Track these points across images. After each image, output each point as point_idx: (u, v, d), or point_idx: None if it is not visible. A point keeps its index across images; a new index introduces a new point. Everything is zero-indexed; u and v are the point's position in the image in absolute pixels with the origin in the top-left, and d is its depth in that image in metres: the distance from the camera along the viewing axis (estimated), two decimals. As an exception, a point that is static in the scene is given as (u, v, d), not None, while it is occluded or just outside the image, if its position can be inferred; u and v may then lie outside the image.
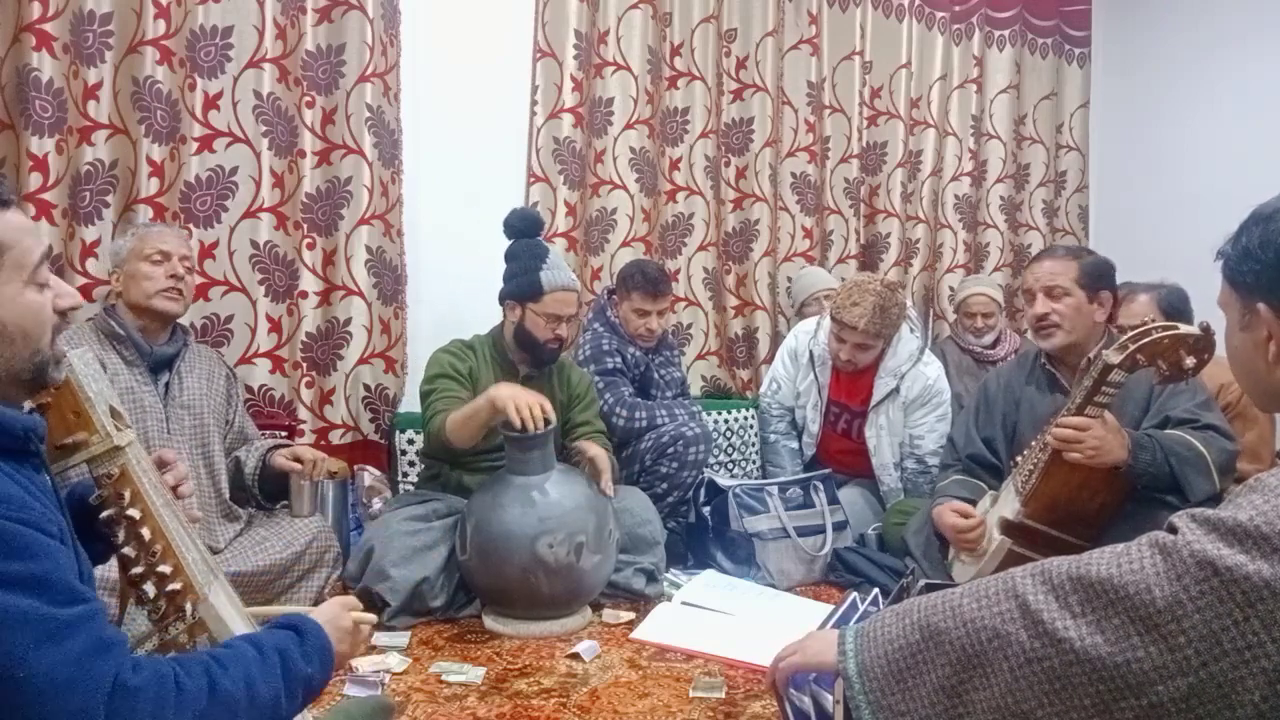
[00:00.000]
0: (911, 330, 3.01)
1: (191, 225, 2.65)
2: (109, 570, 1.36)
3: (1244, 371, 1.03)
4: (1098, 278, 2.20)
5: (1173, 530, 0.87)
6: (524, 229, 2.46)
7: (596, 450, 2.38)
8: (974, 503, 2.25)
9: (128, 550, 1.13)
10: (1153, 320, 1.88)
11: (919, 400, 2.94)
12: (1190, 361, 1.77)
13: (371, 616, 1.26)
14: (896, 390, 2.94)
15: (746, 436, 3.32)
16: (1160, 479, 1.96)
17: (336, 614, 1.18)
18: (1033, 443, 2.11)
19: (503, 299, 2.48)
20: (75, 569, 0.94)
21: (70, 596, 0.88)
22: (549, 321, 2.41)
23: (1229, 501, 0.86)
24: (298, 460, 2.24)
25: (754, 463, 3.33)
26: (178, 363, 2.21)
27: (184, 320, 2.62)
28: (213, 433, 2.24)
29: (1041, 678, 0.87)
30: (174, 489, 1.26)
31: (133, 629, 1.44)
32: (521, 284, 2.41)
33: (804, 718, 1.16)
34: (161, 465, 1.28)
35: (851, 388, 3.03)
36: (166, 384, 2.18)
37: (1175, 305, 2.61)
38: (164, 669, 0.92)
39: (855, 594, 1.63)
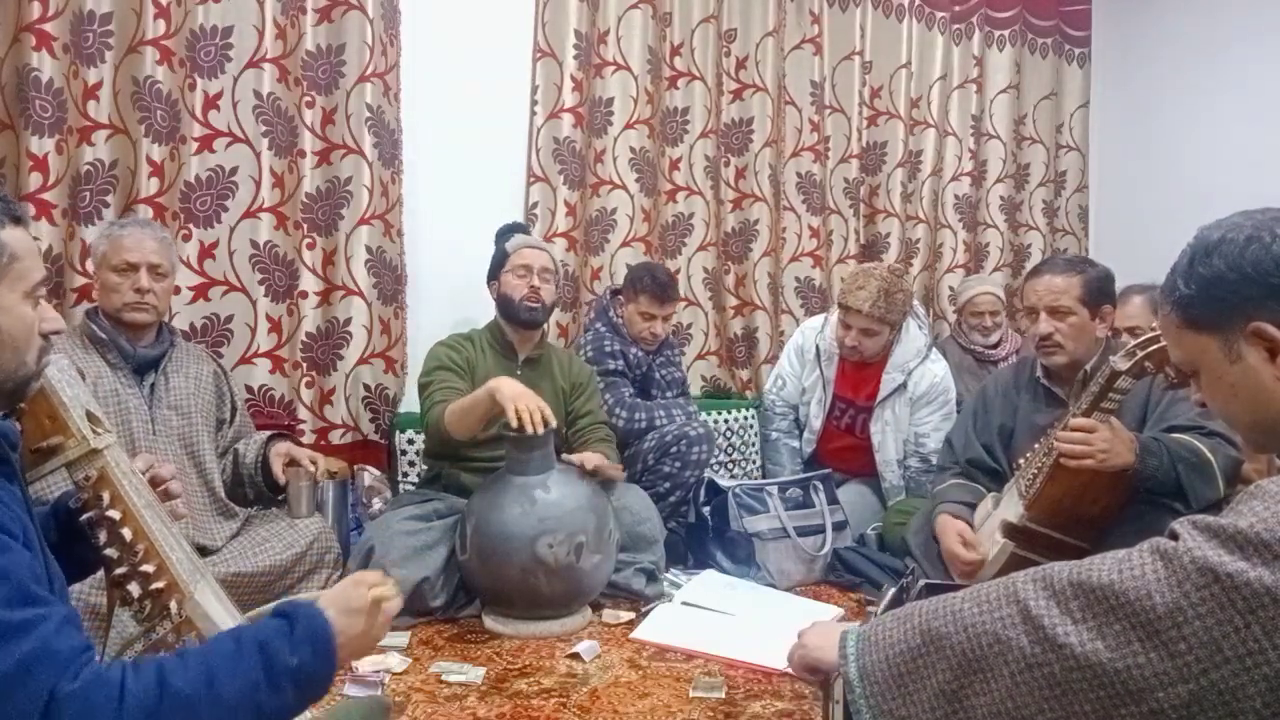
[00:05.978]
0: (920, 327, 3.02)
1: (192, 225, 2.65)
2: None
3: (1253, 404, 0.98)
4: (1100, 294, 2.19)
5: (1174, 536, 0.87)
6: (507, 229, 2.76)
7: (588, 457, 2.38)
8: (973, 506, 2.25)
9: (110, 551, 1.12)
10: (1151, 323, 1.88)
11: (925, 397, 2.94)
12: None
13: (391, 590, 1.09)
14: (904, 386, 2.94)
15: (746, 436, 3.33)
16: (1166, 484, 1.95)
17: (347, 593, 1.06)
18: (1035, 446, 2.10)
19: (488, 284, 2.66)
20: (40, 575, 0.92)
21: (24, 599, 0.86)
22: (517, 276, 2.54)
23: (1230, 509, 0.86)
24: (294, 463, 2.24)
25: (754, 463, 3.33)
26: (164, 363, 2.20)
27: (184, 320, 2.64)
28: (201, 432, 2.22)
29: (1042, 683, 0.87)
30: (164, 489, 1.26)
31: (122, 631, 1.43)
32: (493, 262, 2.66)
33: None
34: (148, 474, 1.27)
35: (858, 383, 3.03)
36: (152, 385, 2.17)
37: None
38: (109, 674, 0.88)
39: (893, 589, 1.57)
